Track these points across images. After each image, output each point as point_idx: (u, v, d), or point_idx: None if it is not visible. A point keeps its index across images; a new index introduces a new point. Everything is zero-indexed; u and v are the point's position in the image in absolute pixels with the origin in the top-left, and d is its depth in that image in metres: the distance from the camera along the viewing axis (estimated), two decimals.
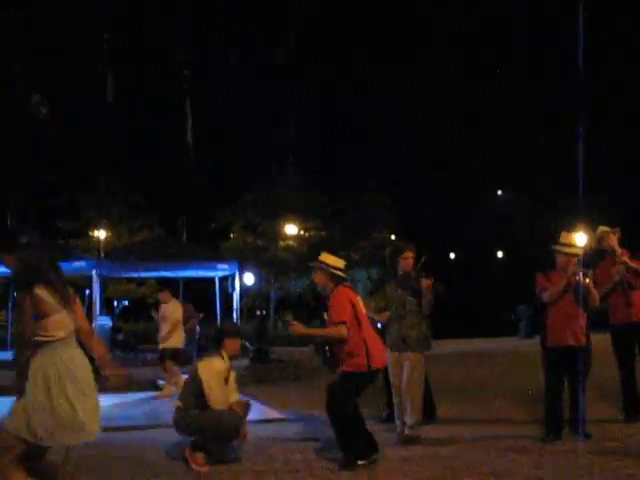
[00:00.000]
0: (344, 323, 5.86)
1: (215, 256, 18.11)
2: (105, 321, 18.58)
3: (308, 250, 25.13)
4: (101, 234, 24.81)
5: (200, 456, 5.87)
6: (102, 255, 19.98)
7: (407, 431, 6.80)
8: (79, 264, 17.29)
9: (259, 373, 13.32)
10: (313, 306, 26.39)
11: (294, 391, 11.48)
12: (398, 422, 6.97)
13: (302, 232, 26.59)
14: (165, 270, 16.96)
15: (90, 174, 28.24)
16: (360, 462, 5.76)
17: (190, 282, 19.46)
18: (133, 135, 30.27)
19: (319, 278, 6.23)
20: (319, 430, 7.34)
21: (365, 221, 27.64)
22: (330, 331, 6.02)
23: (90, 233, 26.47)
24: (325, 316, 6.23)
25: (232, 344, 6.22)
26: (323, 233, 26.89)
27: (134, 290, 26.17)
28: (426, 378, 7.26)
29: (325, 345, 6.04)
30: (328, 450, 6.37)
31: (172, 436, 6.37)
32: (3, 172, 26.17)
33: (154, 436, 7.31)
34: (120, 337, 20.48)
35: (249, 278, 19.62)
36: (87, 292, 18.62)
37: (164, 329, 11.15)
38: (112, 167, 28.51)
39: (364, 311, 6.13)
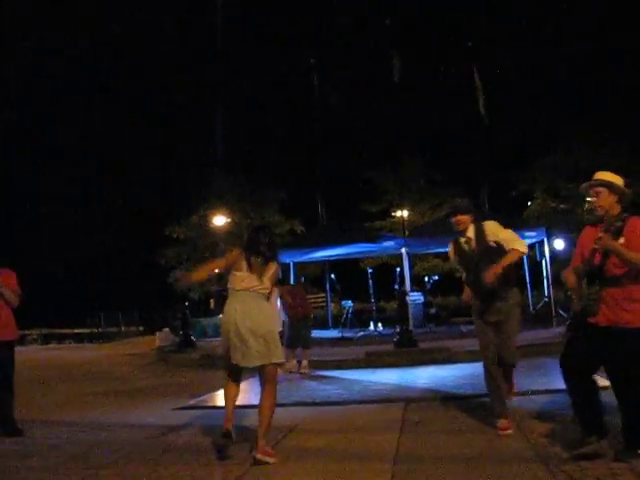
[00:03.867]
0: None
1: (519, 224, 17.74)
2: (417, 297, 19.12)
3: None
4: (404, 213, 25.52)
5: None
6: (407, 233, 20.53)
7: None
8: (388, 244, 17.97)
9: None
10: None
11: None
12: None
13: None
14: None
15: (389, 155, 29.05)
16: None
17: None
18: (424, 113, 30.70)
19: (604, 200, 4.96)
20: None
21: None
22: None
23: (393, 213, 27.34)
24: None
25: None
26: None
27: (440, 265, 26.61)
28: None
29: None
30: None
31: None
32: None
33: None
34: (432, 311, 20.95)
35: (559, 244, 18.81)
36: (397, 270, 19.27)
37: None
38: (410, 146, 29.06)
39: None
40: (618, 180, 5.03)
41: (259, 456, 5.40)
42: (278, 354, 5.70)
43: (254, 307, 5.66)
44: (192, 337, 17.43)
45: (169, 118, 34.79)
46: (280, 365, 5.85)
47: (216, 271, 6.39)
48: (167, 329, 19.03)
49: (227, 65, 30.93)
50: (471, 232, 6.17)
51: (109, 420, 7.84)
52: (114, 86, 36.12)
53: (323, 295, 24.48)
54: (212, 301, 25.88)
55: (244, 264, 5.76)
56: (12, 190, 35.38)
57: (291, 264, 20.74)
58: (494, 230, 6.13)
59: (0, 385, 6.99)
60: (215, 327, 21.93)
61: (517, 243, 6.01)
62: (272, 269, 5.80)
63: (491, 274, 5.79)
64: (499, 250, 6.01)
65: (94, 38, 34.86)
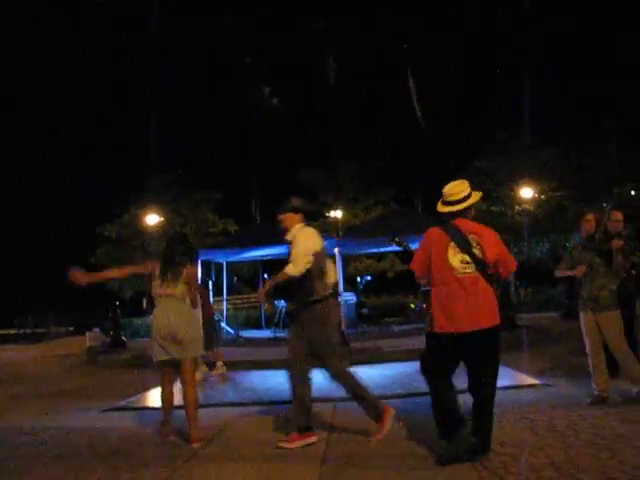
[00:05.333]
0: None
1: None
2: (349, 297, 19.26)
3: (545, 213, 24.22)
4: (338, 214, 25.70)
5: None
6: (340, 234, 20.67)
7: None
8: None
9: (508, 340, 13.11)
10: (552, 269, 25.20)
11: (546, 356, 11.16)
12: (593, 385, 6.84)
13: (537, 195, 25.41)
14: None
15: (323, 157, 29.23)
16: None
17: None
18: (358, 115, 31.03)
19: None
20: (576, 395, 7.13)
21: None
22: None
23: (327, 214, 27.50)
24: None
25: None
26: (559, 193, 25.52)
27: (374, 265, 26.89)
28: None
29: None
30: (592, 416, 6.13)
31: None
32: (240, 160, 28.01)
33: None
34: (365, 312, 21.12)
35: None
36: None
37: None
38: (343, 148, 29.33)
39: None
40: None
41: (196, 445, 5.94)
42: (194, 349, 6.29)
43: (172, 311, 6.15)
44: (123, 337, 17.17)
45: (107, 116, 34.19)
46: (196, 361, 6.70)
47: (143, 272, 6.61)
48: (97, 329, 18.67)
49: (165, 65, 30.77)
50: (291, 234, 6.03)
51: (33, 423, 7.66)
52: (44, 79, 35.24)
53: (256, 295, 24.45)
54: (144, 300, 25.55)
55: (158, 272, 6.22)
56: None
57: (224, 263, 20.62)
58: (299, 239, 5.88)
59: None
60: (148, 327, 21.66)
61: (292, 264, 5.75)
62: (185, 272, 6.22)
63: (261, 294, 6.43)
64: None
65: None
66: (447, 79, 31.36)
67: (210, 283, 14.67)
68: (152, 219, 22.97)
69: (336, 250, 16.46)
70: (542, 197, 25.12)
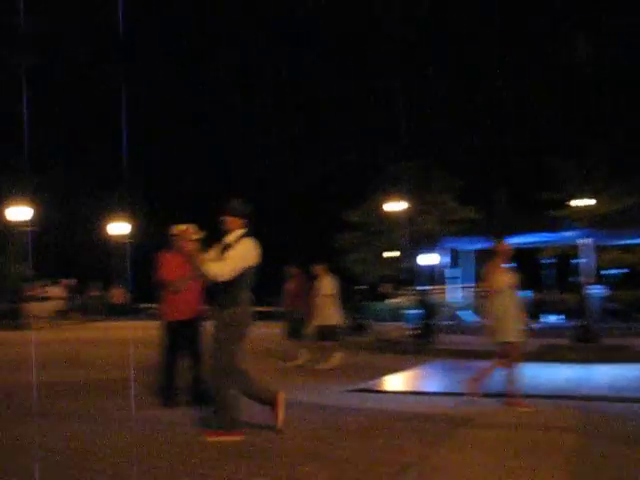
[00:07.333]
0: None
1: None
2: (598, 290, 18.33)
3: None
4: (585, 202, 24.36)
5: None
6: (590, 223, 19.62)
7: None
8: (568, 234, 17.32)
9: None
10: None
11: None
12: None
13: None
14: None
15: (571, 141, 27.84)
16: None
17: None
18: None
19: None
20: None
21: None
22: None
23: (572, 202, 26.16)
24: None
25: None
26: None
27: (623, 257, 25.23)
28: None
29: None
30: None
31: None
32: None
33: None
34: (612, 306, 19.97)
35: None
36: (575, 261, 18.55)
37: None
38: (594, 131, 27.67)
39: None
40: None
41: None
42: None
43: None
44: (363, 321, 17.79)
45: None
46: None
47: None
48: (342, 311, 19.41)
49: None
50: (231, 237, 5.82)
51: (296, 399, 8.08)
52: None
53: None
54: (384, 286, 26.18)
55: None
56: None
57: (469, 252, 20.51)
58: (239, 248, 5.70)
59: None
60: (387, 311, 22.18)
61: (219, 265, 5.61)
62: None
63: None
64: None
65: None
66: None
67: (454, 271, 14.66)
68: (394, 206, 23.36)
69: (585, 240, 15.75)
70: None
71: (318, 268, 11.51)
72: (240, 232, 5.84)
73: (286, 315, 12.12)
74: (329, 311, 11.39)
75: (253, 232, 5.90)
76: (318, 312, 11.35)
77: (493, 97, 30.90)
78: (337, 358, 11.49)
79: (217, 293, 5.84)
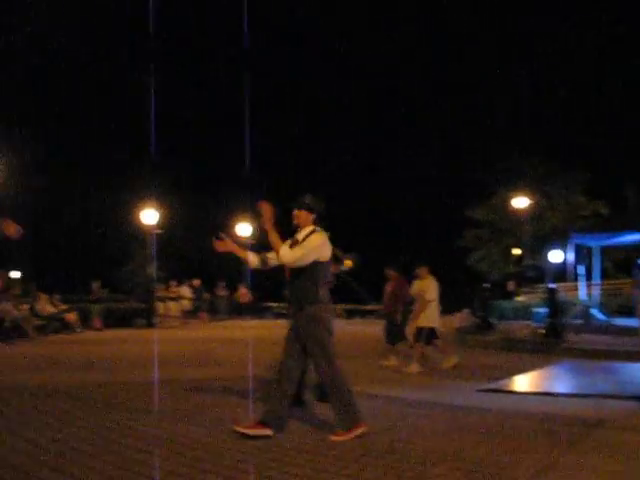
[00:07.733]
0: None
1: None
2: None
3: None
4: None
5: None
6: None
7: None
8: None
9: None
10: None
11: None
12: None
13: None
14: None
15: None
16: None
17: None
18: None
19: None
20: None
21: None
22: None
23: None
24: None
25: None
26: None
27: None
28: None
29: None
30: None
31: None
32: None
33: None
34: None
35: None
36: None
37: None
38: None
39: None
40: None
41: None
42: None
43: None
44: (490, 320, 17.43)
45: None
46: None
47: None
48: (467, 310, 19.06)
49: None
50: (301, 234, 5.89)
51: (418, 397, 8.09)
52: None
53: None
54: (510, 283, 25.57)
55: None
56: None
57: (596, 247, 19.73)
58: (312, 239, 5.80)
59: None
60: (514, 310, 21.69)
61: (291, 250, 5.77)
62: None
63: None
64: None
65: None
66: None
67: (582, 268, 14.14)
68: (520, 202, 22.75)
69: None
70: None
71: (422, 269, 11.24)
72: (310, 228, 5.92)
73: (384, 317, 12.12)
74: (431, 313, 11.08)
75: (325, 228, 6.00)
76: (419, 314, 11.08)
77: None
78: (451, 358, 11.36)
79: (294, 292, 5.91)
